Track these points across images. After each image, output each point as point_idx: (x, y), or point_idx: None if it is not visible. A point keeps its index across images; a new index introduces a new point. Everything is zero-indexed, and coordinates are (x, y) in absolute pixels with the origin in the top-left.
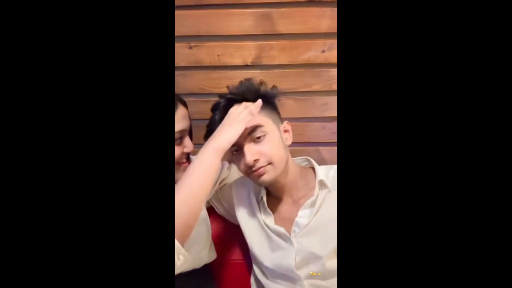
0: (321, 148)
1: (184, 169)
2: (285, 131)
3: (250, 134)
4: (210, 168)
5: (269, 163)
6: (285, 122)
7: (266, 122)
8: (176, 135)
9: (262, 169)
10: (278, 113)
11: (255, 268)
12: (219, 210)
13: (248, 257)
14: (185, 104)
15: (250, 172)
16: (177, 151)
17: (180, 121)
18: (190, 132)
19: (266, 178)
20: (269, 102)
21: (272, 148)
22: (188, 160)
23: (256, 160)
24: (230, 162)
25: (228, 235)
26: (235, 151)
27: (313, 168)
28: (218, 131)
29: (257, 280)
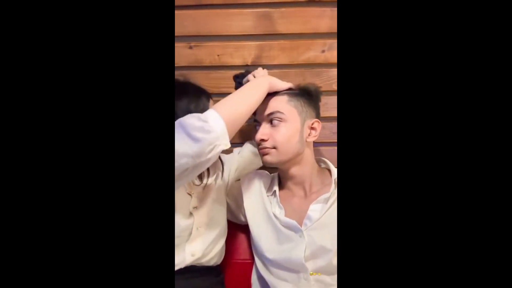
0: (321, 148)
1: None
2: (312, 128)
3: (269, 115)
4: (261, 91)
5: (274, 148)
6: (315, 120)
7: (290, 111)
8: None
9: (266, 149)
10: (314, 111)
11: (258, 264)
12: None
13: (249, 256)
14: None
15: (258, 148)
16: None
17: None
18: None
19: (267, 159)
20: (308, 97)
21: (282, 136)
22: None
23: (262, 140)
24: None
25: (229, 236)
26: (256, 125)
27: (329, 170)
28: (266, 75)
29: (260, 278)
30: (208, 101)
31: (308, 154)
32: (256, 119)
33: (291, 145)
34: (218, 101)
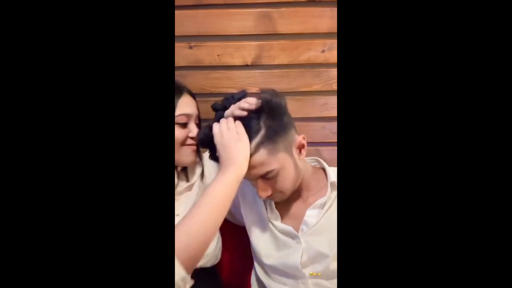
0: (321, 148)
1: (193, 152)
2: (301, 146)
3: (262, 177)
4: (231, 196)
5: (280, 192)
6: (301, 137)
7: (277, 160)
8: (178, 119)
9: (273, 196)
10: (291, 127)
11: (257, 268)
12: None
13: (248, 258)
14: (192, 95)
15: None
16: (181, 133)
17: (183, 106)
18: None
19: (277, 200)
20: (278, 118)
21: (283, 182)
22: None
23: (268, 196)
24: None
25: (229, 236)
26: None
27: (323, 169)
28: (234, 155)
29: (258, 280)
30: (180, 96)
31: (301, 166)
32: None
33: (294, 182)
34: (214, 100)
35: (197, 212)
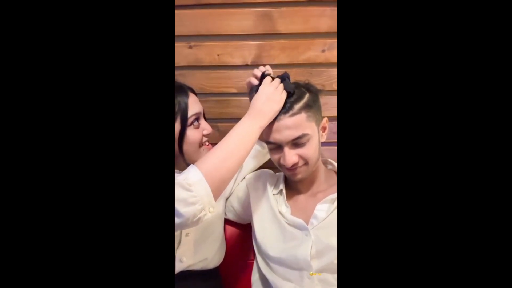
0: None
1: (208, 150)
2: (323, 128)
3: (295, 140)
4: (252, 140)
5: (305, 164)
6: (325, 119)
7: (311, 127)
8: (192, 119)
9: (298, 169)
10: (320, 110)
11: (260, 263)
12: (227, 214)
13: (249, 258)
14: (194, 92)
15: (285, 169)
16: (197, 134)
17: (193, 105)
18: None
19: (299, 177)
20: (316, 98)
21: (310, 151)
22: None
23: (294, 163)
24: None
25: (229, 236)
26: (273, 148)
27: (335, 172)
28: (262, 108)
29: (261, 278)
30: (187, 95)
31: (320, 153)
32: (270, 141)
33: (316, 155)
34: (214, 100)
35: (226, 144)
